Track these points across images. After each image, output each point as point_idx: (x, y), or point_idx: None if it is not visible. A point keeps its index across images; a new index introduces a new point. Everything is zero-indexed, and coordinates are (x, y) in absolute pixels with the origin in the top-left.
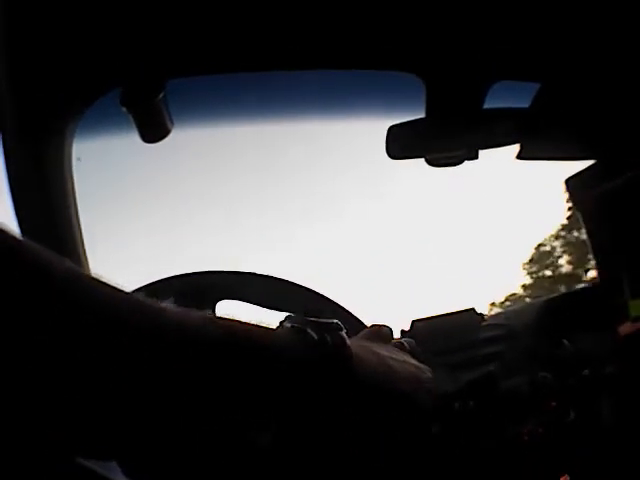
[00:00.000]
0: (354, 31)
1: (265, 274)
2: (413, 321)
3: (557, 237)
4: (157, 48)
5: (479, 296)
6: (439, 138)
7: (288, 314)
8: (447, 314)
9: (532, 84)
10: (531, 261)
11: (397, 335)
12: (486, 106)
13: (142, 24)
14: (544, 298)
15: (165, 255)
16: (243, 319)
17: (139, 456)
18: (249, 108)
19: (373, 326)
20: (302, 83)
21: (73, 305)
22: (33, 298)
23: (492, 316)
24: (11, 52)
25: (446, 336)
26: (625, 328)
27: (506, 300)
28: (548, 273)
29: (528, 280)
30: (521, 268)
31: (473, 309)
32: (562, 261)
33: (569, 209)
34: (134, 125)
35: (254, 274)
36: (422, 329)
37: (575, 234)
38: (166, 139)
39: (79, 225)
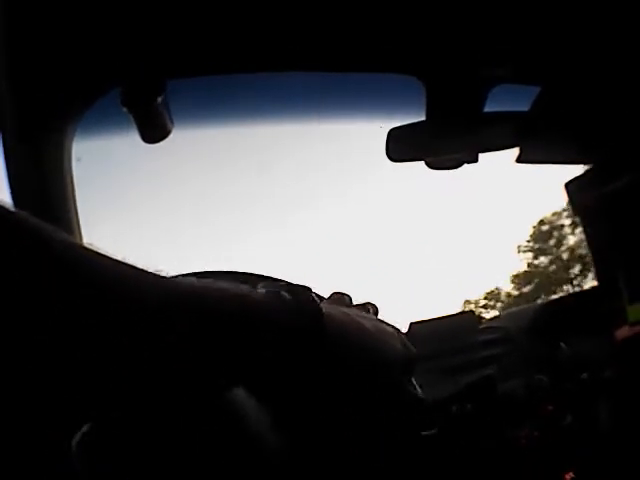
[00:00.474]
0: (355, 33)
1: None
2: (411, 323)
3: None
4: (158, 49)
5: (475, 296)
6: (439, 141)
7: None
8: (445, 316)
9: (532, 87)
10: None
11: None
12: (486, 109)
13: (143, 25)
14: (542, 301)
15: (165, 255)
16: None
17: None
18: (249, 109)
19: (334, 294)
20: (303, 85)
21: (73, 271)
22: (33, 265)
23: (490, 319)
24: (11, 52)
25: (444, 339)
26: (622, 332)
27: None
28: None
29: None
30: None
31: (471, 311)
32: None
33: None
34: (134, 125)
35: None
36: (420, 331)
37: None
38: (166, 139)
39: (79, 225)
